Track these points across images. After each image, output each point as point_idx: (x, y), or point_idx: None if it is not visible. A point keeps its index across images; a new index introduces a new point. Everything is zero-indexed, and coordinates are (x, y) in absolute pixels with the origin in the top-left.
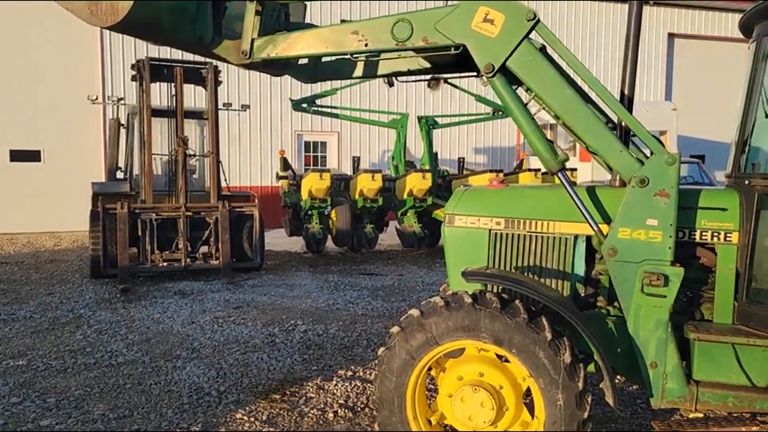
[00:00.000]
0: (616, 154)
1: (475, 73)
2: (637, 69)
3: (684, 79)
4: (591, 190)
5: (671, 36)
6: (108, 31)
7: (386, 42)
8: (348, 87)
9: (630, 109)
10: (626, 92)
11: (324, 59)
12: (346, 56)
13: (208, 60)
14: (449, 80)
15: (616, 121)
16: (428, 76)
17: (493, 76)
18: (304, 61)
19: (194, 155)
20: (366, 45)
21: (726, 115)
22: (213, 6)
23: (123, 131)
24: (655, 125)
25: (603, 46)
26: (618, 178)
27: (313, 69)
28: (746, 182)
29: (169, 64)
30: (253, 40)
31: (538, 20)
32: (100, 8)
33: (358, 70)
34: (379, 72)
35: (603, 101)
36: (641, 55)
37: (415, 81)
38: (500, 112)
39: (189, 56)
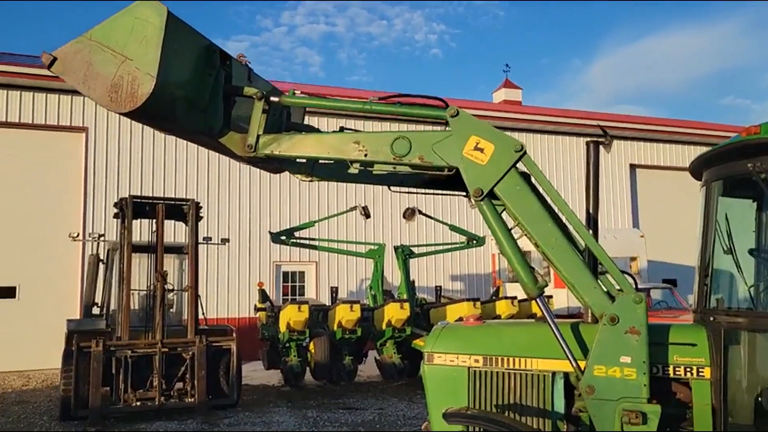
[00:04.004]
0: (589, 290)
1: (464, 194)
2: (599, 206)
3: (649, 207)
4: (567, 326)
5: (633, 167)
6: (92, 170)
7: (385, 155)
8: (326, 219)
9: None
10: (590, 227)
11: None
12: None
13: (189, 197)
14: (423, 211)
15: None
16: (418, 192)
17: (481, 200)
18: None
19: (173, 290)
20: (365, 155)
21: (692, 239)
22: (224, 99)
23: (102, 267)
24: (625, 252)
25: (570, 176)
26: (590, 313)
27: (311, 168)
28: (711, 318)
29: (151, 201)
30: (258, 136)
31: (525, 152)
32: (120, 95)
33: (354, 175)
34: (373, 180)
35: (580, 237)
36: (607, 185)
37: (408, 193)
38: (474, 241)
39: (171, 194)
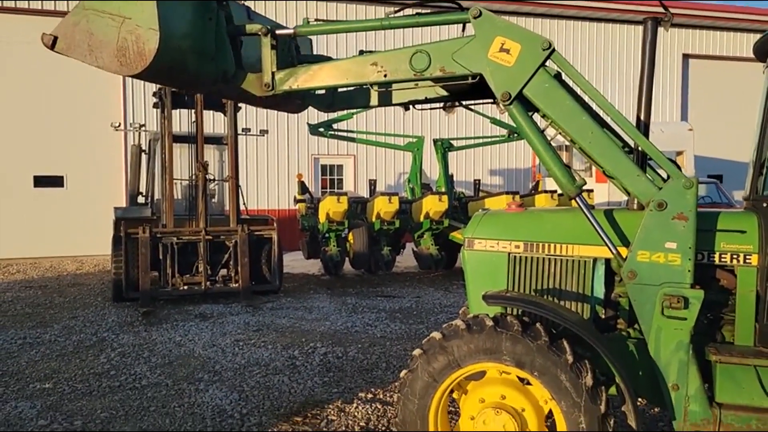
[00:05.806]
0: (633, 178)
1: (491, 100)
2: (653, 90)
3: (699, 100)
4: (609, 214)
5: (686, 57)
6: None
7: (404, 72)
8: (364, 111)
9: (646, 131)
10: (642, 115)
11: (341, 89)
12: (365, 86)
13: None
14: (464, 103)
15: (632, 145)
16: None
17: (510, 103)
18: (322, 90)
19: (214, 180)
20: (385, 75)
21: (742, 134)
22: (230, 42)
23: (144, 157)
24: (671, 146)
25: (617, 67)
26: (636, 201)
27: (331, 98)
28: (764, 204)
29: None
30: (273, 73)
31: (554, 49)
32: (128, 57)
33: (375, 99)
34: (397, 100)
35: (619, 126)
36: (657, 75)
37: (431, 109)
38: (515, 135)
39: None
